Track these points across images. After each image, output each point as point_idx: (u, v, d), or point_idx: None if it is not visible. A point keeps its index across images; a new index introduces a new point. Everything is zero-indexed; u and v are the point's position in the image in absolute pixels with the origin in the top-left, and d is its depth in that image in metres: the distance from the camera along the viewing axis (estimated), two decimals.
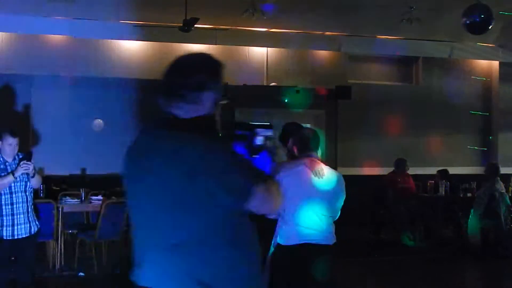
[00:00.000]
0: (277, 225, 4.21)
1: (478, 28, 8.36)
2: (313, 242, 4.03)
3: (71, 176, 11.30)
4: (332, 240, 4.12)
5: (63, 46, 11.58)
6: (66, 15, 10.78)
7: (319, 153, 4.25)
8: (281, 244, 4.06)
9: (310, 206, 4.04)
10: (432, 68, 14.03)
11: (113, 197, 9.34)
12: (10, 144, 5.33)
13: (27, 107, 11.52)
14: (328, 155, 11.30)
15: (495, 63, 14.14)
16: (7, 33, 11.23)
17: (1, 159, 5.34)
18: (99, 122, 11.53)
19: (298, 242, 4.01)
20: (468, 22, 8.25)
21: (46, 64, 11.46)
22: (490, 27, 8.34)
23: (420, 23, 10.36)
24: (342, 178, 4.25)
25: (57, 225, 7.76)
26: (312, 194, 4.05)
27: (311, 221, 4.04)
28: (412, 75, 14.18)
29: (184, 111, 2.31)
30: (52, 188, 8.89)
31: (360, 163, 13.11)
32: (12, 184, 5.27)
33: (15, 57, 11.32)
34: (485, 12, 8.13)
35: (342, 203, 4.23)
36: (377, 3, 10.19)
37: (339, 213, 4.24)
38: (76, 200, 8.58)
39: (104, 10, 10.59)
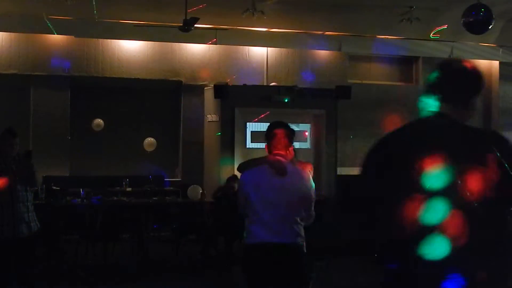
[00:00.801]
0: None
1: (478, 27, 8.36)
2: (278, 241, 3.98)
3: (71, 176, 11.32)
4: (296, 239, 4.04)
5: (63, 46, 11.58)
6: (66, 15, 10.78)
7: (290, 149, 4.19)
8: (247, 243, 4.09)
9: (274, 204, 4.00)
10: (432, 68, 13.99)
11: (114, 197, 9.37)
12: (11, 144, 5.33)
13: (27, 107, 11.53)
14: (328, 155, 11.30)
15: (495, 63, 14.15)
16: (7, 33, 11.23)
17: (1, 159, 5.33)
18: (99, 122, 11.54)
19: (260, 240, 4.00)
20: (468, 21, 8.25)
21: (46, 64, 11.47)
22: (490, 27, 8.34)
23: (420, 23, 10.36)
24: (306, 175, 4.16)
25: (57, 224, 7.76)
26: (275, 193, 4.00)
27: (276, 220, 4.00)
28: (412, 75, 14.19)
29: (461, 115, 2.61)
30: (52, 188, 8.88)
31: (360, 163, 13.09)
32: (13, 184, 5.27)
33: (15, 57, 11.33)
34: (485, 12, 8.13)
35: (312, 202, 4.15)
36: (377, 3, 10.19)
37: (313, 211, 4.17)
38: (76, 199, 8.59)
39: (104, 10, 10.58)
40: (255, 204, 4.02)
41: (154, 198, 9.39)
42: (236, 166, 10.72)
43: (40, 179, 5.61)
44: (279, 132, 4.16)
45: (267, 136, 4.19)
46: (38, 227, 5.50)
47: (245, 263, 4.14)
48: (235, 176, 9.13)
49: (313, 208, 4.17)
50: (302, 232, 4.09)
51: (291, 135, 4.19)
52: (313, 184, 4.21)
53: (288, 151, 4.16)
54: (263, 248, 4.00)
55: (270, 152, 4.15)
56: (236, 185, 8.83)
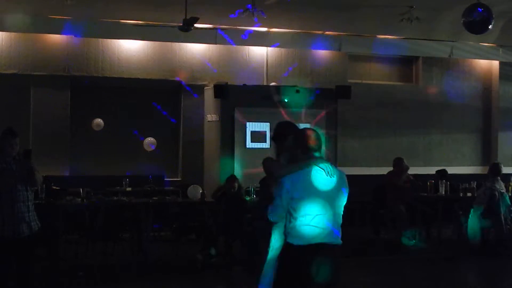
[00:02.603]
0: (278, 226, 4.19)
1: (478, 27, 8.35)
2: (327, 242, 4.04)
3: (71, 176, 11.31)
4: (341, 241, 4.15)
5: (63, 46, 11.58)
6: (66, 15, 10.78)
7: (322, 152, 4.25)
8: (293, 244, 4.04)
9: (325, 206, 4.05)
10: (432, 68, 14.03)
11: (114, 197, 9.36)
12: (11, 144, 5.33)
13: (27, 107, 11.52)
14: (328, 155, 11.29)
15: (495, 63, 14.15)
16: (7, 33, 11.23)
17: (2, 158, 5.33)
18: (99, 122, 11.54)
19: (313, 242, 4.01)
20: (468, 21, 8.24)
21: (46, 64, 11.47)
22: (490, 27, 8.33)
23: (420, 23, 10.35)
24: (345, 176, 4.25)
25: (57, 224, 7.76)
26: (324, 193, 4.06)
27: (326, 222, 4.05)
28: (412, 75, 14.19)
29: None
30: (52, 188, 8.88)
31: (360, 163, 13.12)
32: (13, 183, 5.27)
33: (15, 57, 11.33)
34: (485, 12, 8.12)
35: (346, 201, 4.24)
36: (377, 2, 10.17)
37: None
38: (76, 199, 8.58)
39: (104, 10, 10.59)
40: (307, 206, 4.01)
41: (154, 198, 9.38)
42: (236, 166, 10.80)
43: (41, 178, 5.59)
44: (311, 133, 4.22)
45: (299, 137, 4.21)
46: (38, 227, 5.49)
47: (293, 264, 4.06)
48: (234, 176, 9.14)
49: None
50: None
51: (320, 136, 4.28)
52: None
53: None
54: (315, 250, 3.99)
55: (304, 152, 4.16)
56: (236, 185, 8.84)
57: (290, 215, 4.06)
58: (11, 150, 5.33)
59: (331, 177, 4.09)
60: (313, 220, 4.02)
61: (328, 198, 4.07)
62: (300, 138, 4.21)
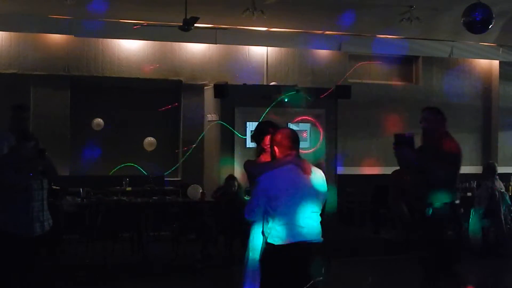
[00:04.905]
0: (256, 226, 4.18)
1: (478, 27, 8.34)
2: (308, 240, 4.02)
3: (71, 176, 11.31)
4: (321, 238, 4.13)
5: (63, 46, 11.58)
6: (66, 15, 10.78)
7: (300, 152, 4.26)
8: (274, 244, 4.03)
9: (302, 204, 4.03)
10: (432, 68, 14.03)
11: (114, 197, 9.37)
12: (27, 148, 5.40)
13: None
14: (328, 155, 11.29)
15: (495, 63, 14.15)
16: (7, 33, 11.22)
17: (18, 158, 5.38)
18: (99, 121, 11.54)
19: (293, 241, 3.99)
20: (468, 21, 8.24)
21: (46, 64, 11.47)
22: (490, 27, 8.32)
23: (420, 22, 10.35)
24: (323, 174, 4.24)
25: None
26: (304, 192, 4.05)
27: (305, 220, 4.03)
28: (412, 74, 14.18)
29: None
30: (52, 187, 8.88)
31: (360, 162, 13.11)
32: (29, 182, 5.31)
33: (15, 57, 11.32)
34: (485, 11, 8.11)
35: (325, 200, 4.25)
36: (377, 2, 10.17)
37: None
38: (76, 199, 8.60)
39: (104, 10, 10.58)
40: (284, 204, 4.00)
41: (154, 197, 9.39)
42: (236, 166, 10.80)
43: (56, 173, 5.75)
44: (288, 131, 4.25)
45: (276, 137, 4.20)
46: (50, 226, 5.52)
47: (275, 264, 4.05)
48: (232, 176, 9.14)
49: None
50: None
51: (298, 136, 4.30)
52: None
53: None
54: (296, 248, 3.98)
55: (282, 152, 4.15)
56: (236, 184, 8.85)
57: (267, 214, 4.05)
58: (27, 153, 5.40)
59: (308, 175, 4.08)
60: (292, 218, 4.00)
61: (306, 196, 4.05)
62: (278, 137, 4.21)
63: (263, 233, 4.14)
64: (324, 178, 4.22)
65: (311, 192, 4.08)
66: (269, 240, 4.05)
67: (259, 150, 4.80)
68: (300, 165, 4.10)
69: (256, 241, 4.50)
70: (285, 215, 4.00)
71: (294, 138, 4.19)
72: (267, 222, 4.07)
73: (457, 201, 5.68)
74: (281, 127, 4.47)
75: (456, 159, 5.61)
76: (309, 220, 4.06)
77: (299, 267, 3.98)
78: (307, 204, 4.04)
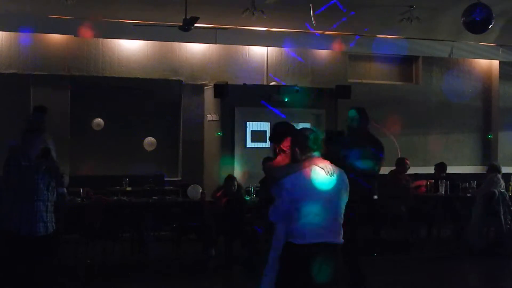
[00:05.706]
0: (279, 226, 4.19)
1: (478, 27, 8.35)
2: (329, 241, 4.07)
3: (71, 176, 11.28)
4: (342, 240, 4.17)
5: (63, 46, 11.57)
6: (66, 15, 10.77)
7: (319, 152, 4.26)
8: (294, 243, 4.05)
9: (325, 205, 4.06)
10: (432, 68, 14.03)
11: (114, 197, 9.37)
12: (33, 145, 5.40)
13: (27, 107, 11.51)
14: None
15: (495, 62, 14.15)
16: (7, 32, 11.22)
17: (25, 156, 5.38)
18: (99, 121, 11.53)
19: (314, 241, 4.02)
20: (468, 21, 8.24)
21: (46, 64, 11.46)
22: (490, 26, 8.33)
23: (420, 22, 10.35)
24: (345, 175, 4.26)
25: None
26: (326, 193, 4.07)
27: (327, 220, 4.06)
28: (412, 74, 14.18)
29: None
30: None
31: None
32: (35, 181, 5.29)
33: (15, 57, 11.32)
34: (485, 11, 8.12)
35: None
36: (377, 2, 10.17)
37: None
38: (76, 199, 8.59)
39: (104, 10, 10.58)
40: (307, 205, 4.03)
41: (154, 197, 9.39)
42: (236, 166, 10.80)
43: (67, 179, 5.68)
44: (310, 133, 4.24)
45: (298, 138, 4.22)
46: (54, 229, 5.48)
47: (294, 263, 4.08)
48: (232, 176, 9.15)
49: None
50: None
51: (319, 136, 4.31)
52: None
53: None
54: (316, 248, 4.02)
55: (303, 153, 4.16)
56: (236, 184, 8.84)
57: (291, 215, 4.08)
58: (31, 148, 5.38)
59: (331, 177, 4.10)
60: (314, 219, 4.04)
61: (329, 197, 4.09)
62: (299, 138, 4.22)
63: (286, 233, 4.14)
64: (346, 179, 4.23)
65: (333, 193, 4.10)
66: (290, 239, 4.08)
67: (278, 150, 4.77)
68: (322, 166, 4.11)
69: (278, 242, 4.49)
70: (307, 216, 4.03)
71: (315, 139, 4.20)
72: (291, 222, 4.09)
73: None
74: (301, 128, 4.46)
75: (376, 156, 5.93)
76: (331, 221, 4.09)
77: (318, 267, 4.01)
78: (330, 205, 4.08)
